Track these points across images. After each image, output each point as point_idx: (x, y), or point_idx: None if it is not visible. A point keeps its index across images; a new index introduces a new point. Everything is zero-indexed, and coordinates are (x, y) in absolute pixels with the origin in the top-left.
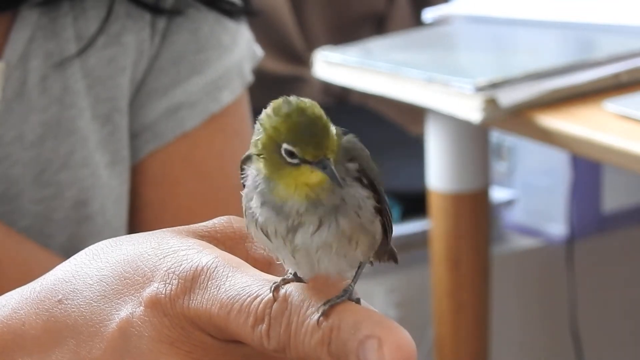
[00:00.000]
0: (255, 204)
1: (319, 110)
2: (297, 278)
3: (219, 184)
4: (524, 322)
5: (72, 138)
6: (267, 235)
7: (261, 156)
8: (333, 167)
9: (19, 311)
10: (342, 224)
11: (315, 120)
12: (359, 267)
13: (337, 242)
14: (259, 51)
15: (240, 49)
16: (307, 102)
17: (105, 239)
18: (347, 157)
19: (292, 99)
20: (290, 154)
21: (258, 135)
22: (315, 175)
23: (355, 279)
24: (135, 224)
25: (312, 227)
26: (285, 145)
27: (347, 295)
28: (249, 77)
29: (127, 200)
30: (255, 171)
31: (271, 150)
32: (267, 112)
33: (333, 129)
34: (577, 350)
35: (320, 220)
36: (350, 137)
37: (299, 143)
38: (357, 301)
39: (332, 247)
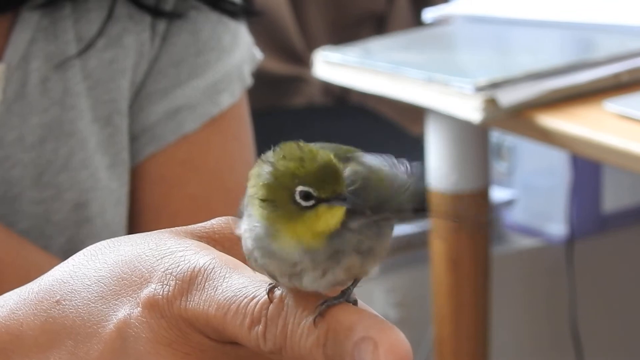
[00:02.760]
0: (253, 249)
1: (325, 152)
2: None
3: (217, 186)
4: (524, 322)
5: (72, 140)
6: (272, 276)
7: (266, 203)
8: (350, 198)
9: (17, 312)
10: (345, 265)
11: (328, 161)
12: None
13: (344, 278)
14: (258, 54)
15: (240, 51)
16: (310, 145)
17: None
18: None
19: (297, 143)
20: (306, 195)
21: (260, 182)
22: (332, 214)
23: (355, 282)
24: (135, 226)
25: (317, 273)
26: (300, 188)
27: (345, 297)
28: (249, 80)
29: (127, 202)
30: (252, 217)
31: (281, 197)
32: (271, 158)
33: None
34: (577, 350)
35: (323, 269)
36: (351, 170)
37: (315, 183)
38: (355, 303)
39: (340, 282)
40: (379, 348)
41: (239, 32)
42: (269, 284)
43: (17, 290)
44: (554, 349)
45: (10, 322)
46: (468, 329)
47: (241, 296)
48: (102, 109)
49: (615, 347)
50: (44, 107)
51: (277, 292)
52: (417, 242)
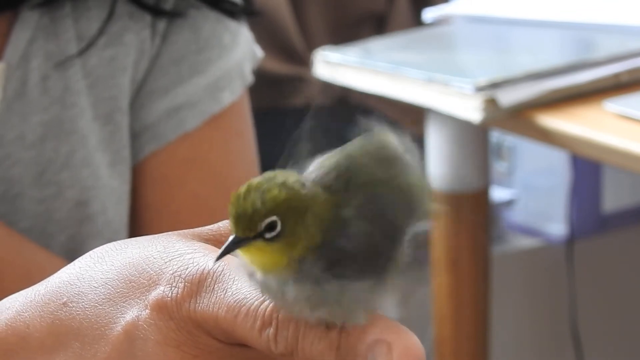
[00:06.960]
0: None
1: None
2: None
3: (219, 184)
4: (524, 322)
5: (72, 138)
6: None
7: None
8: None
9: (23, 314)
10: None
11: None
12: None
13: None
14: (258, 52)
15: (240, 49)
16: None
17: (106, 239)
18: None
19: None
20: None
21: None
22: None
23: None
24: (136, 224)
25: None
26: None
27: None
28: (249, 78)
29: (128, 200)
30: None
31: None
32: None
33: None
34: (577, 350)
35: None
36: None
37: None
38: None
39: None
40: (393, 351)
41: (239, 31)
42: None
43: (23, 292)
44: (554, 349)
45: (17, 324)
46: (468, 329)
47: (252, 298)
48: (102, 106)
49: (615, 347)
50: (44, 105)
51: None
52: (417, 242)
